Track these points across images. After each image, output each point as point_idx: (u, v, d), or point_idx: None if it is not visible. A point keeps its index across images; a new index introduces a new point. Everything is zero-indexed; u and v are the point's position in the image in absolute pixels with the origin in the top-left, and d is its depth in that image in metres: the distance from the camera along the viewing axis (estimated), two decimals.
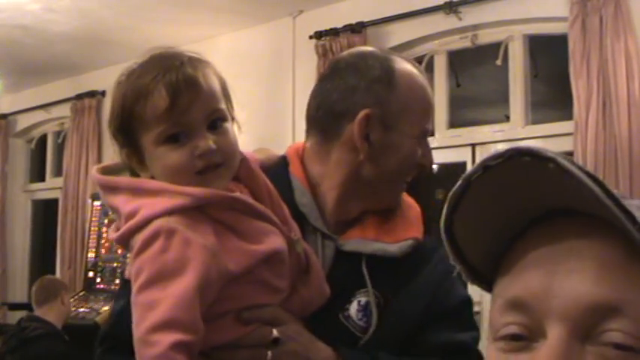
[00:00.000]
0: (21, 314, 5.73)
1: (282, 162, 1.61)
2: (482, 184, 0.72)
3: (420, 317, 1.54)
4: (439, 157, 4.59)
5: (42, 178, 7.86)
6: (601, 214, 0.67)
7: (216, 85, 1.29)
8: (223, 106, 1.30)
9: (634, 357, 0.67)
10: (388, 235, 1.55)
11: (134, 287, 1.20)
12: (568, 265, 0.70)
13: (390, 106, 1.53)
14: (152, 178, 1.30)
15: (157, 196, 1.24)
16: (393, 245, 1.53)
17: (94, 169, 1.38)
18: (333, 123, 1.55)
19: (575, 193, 0.66)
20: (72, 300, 5.21)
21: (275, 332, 1.31)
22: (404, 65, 1.59)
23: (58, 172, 7.49)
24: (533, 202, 0.73)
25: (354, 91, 1.54)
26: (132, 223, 1.23)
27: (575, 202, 0.67)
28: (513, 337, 0.72)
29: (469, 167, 4.65)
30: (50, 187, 7.63)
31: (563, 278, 0.69)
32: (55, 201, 7.38)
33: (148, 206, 1.23)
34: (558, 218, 0.73)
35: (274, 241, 1.30)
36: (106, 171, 1.37)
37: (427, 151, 1.61)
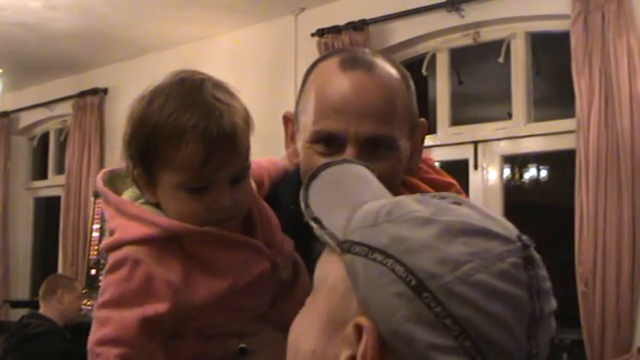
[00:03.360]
0: (23, 312, 5.73)
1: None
2: None
3: None
4: (441, 155, 4.59)
5: (44, 176, 7.86)
6: None
7: (247, 141, 1.27)
8: (249, 161, 1.29)
9: None
10: None
11: (97, 302, 1.25)
12: None
13: (298, 105, 1.42)
14: (156, 202, 1.29)
15: (132, 221, 1.25)
16: None
17: (99, 174, 1.37)
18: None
19: None
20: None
21: (242, 344, 1.29)
22: (333, 61, 1.38)
23: (60, 169, 7.49)
24: None
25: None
26: (109, 240, 1.27)
27: None
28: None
29: (471, 165, 4.63)
30: (52, 185, 7.63)
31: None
32: (57, 199, 7.38)
33: (122, 229, 1.25)
34: None
35: (249, 272, 1.29)
36: (112, 176, 1.37)
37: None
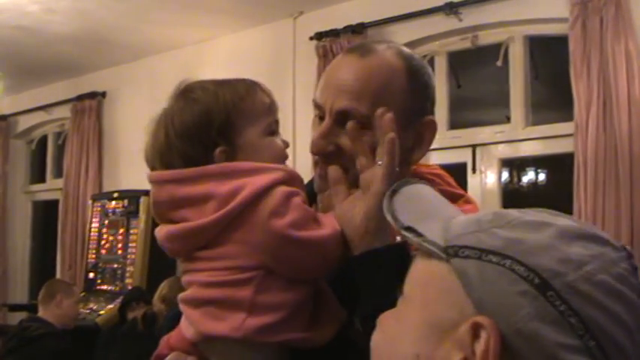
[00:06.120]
0: (21, 315, 5.74)
1: None
2: None
3: None
4: (439, 158, 4.60)
5: (42, 180, 7.86)
6: None
7: None
8: None
9: None
10: None
11: (285, 230, 1.21)
12: None
13: None
14: None
15: (256, 174, 1.25)
16: None
17: (148, 175, 1.33)
18: None
19: None
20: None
21: None
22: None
23: (58, 173, 7.49)
24: None
25: None
26: (243, 195, 1.21)
27: None
28: None
29: (469, 168, 4.61)
30: (50, 189, 7.64)
31: None
32: (55, 202, 7.38)
33: (253, 182, 1.23)
34: None
35: (328, 227, 1.30)
36: None
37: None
